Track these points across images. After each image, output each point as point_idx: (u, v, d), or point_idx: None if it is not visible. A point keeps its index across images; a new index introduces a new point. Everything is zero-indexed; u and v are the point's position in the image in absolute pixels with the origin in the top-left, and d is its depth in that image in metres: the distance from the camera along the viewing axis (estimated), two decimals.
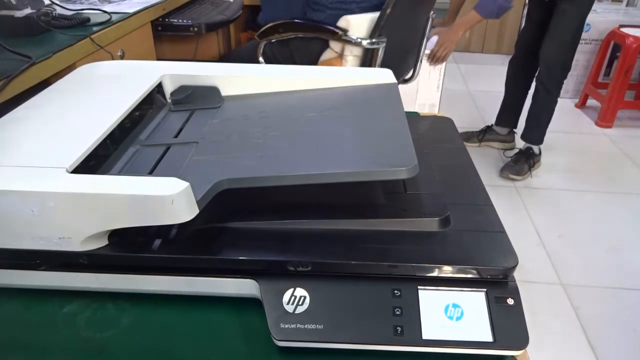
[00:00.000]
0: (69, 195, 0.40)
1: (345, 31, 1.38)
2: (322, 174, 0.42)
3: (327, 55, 1.55)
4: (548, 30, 1.92)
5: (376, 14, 1.44)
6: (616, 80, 2.50)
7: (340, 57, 1.51)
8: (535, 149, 2.14)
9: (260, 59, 1.47)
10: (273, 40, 1.44)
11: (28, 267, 0.43)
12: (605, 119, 2.57)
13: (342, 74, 0.65)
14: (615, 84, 2.50)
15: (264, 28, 1.40)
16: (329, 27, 1.40)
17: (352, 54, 1.48)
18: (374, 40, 1.39)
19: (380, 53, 1.42)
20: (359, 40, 1.40)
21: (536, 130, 2.11)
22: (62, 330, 0.42)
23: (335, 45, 1.52)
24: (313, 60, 1.55)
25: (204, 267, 0.43)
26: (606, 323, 1.42)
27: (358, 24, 1.42)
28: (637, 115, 2.67)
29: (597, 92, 2.66)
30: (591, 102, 2.75)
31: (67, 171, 0.42)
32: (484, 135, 2.31)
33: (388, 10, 1.37)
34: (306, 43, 1.55)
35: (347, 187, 0.43)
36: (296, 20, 1.44)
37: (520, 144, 2.20)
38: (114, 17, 1.26)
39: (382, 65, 1.45)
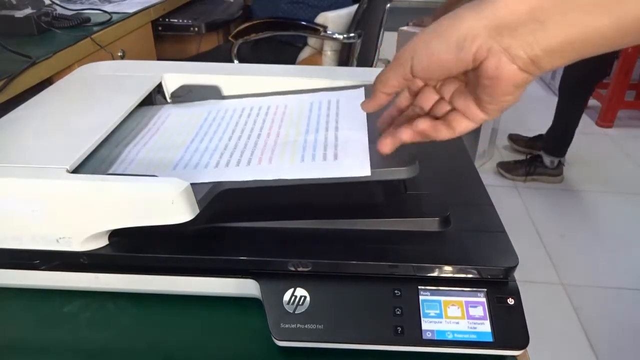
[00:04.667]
0: (69, 195, 0.40)
1: (325, 27, 1.39)
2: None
3: (306, 52, 1.56)
4: None
5: (349, 9, 1.47)
6: (616, 80, 2.49)
7: (319, 54, 1.53)
8: (546, 159, 2.05)
9: (235, 60, 1.46)
10: (249, 41, 1.43)
11: (28, 267, 0.43)
12: (605, 119, 2.57)
13: (342, 73, 0.65)
14: (615, 84, 2.50)
15: (239, 28, 1.39)
16: (309, 24, 1.41)
17: (332, 49, 1.50)
18: (352, 34, 1.41)
19: (357, 46, 1.45)
20: (340, 36, 1.41)
21: (546, 136, 2.09)
22: (62, 330, 0.42)
23: (313, 42, 1.53)
24: (292, 59, 1.55)
25: (204, 267, 0.43)
26: (606, 323, 1.42)
27: (335, 20, 1.44)
28: (637, 115, 2.67)
29: (597, 92, 2.65)
30: (591, 102, 2.74)
31: (68, 171, 0.42)
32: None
33: (364, 5, 1.40)
34: (284, 42, 1.55)
35: (347, 187, 0.43)
36: (275, 20, 1.43)
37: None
38: (115, 17, 1.26)
39: (358, 58, 1.49)
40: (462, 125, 0.37)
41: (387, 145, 0.40)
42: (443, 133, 0.37)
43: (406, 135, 0.39)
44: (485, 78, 0.31)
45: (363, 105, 0.39)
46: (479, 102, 0.34)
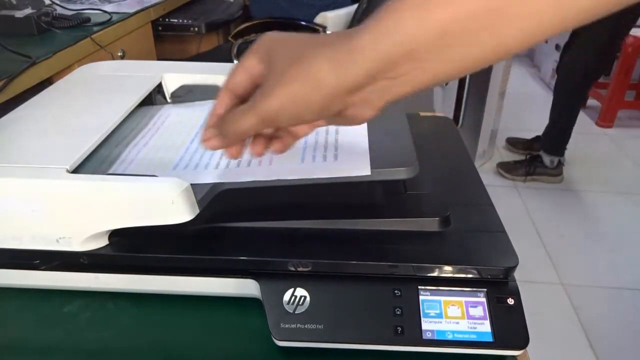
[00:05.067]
0: (69, 195, 0.40)
1: (324, 27, 1.39)
2: None
3: None
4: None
5: (349, 9, 1.47)
6: (616, 80, 2.49)
7: None
8: (546, 159, 2.05)
9: (235, 60, 1.45)
10: (249, 40, 1.43)
11: (28, 267, 0.43)
12: (605, 119, 2.57)
13: None
14: (615, 84, 2.50)
15: (239, 28, 1.39)
16: (309, 24, 1.41)
17: None
18: None
19: None
20: None
21: (544, 135, 2.08)
22: (62, 330, 0.42)
23: None
24: None
25: (204, 267, 0.43)
26: (606, 323, 1.42)
27: (334, 20, 1.44)
28: (637, 115, 2.67)
29: (597, 92, 2.66)
30: (591, 102, 2.75)
31: (68, 171, 0.42)
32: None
33: (364, 5, 1.40)
34: None
35: (347, 187, 0.43)
36: (274, 20, 1.43)
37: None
38: (115, 17, 1.26)
39: None
40: (302, 131, 0.37)
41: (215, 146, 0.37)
42: (285, 139, 0.37)
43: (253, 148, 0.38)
44: (343, 118, 0.33)
45: (207, 143, 0.37)
46: (327, 120, 0.35)
